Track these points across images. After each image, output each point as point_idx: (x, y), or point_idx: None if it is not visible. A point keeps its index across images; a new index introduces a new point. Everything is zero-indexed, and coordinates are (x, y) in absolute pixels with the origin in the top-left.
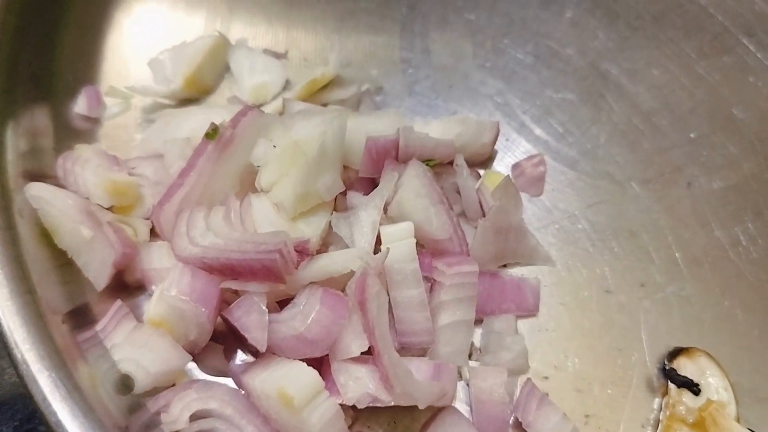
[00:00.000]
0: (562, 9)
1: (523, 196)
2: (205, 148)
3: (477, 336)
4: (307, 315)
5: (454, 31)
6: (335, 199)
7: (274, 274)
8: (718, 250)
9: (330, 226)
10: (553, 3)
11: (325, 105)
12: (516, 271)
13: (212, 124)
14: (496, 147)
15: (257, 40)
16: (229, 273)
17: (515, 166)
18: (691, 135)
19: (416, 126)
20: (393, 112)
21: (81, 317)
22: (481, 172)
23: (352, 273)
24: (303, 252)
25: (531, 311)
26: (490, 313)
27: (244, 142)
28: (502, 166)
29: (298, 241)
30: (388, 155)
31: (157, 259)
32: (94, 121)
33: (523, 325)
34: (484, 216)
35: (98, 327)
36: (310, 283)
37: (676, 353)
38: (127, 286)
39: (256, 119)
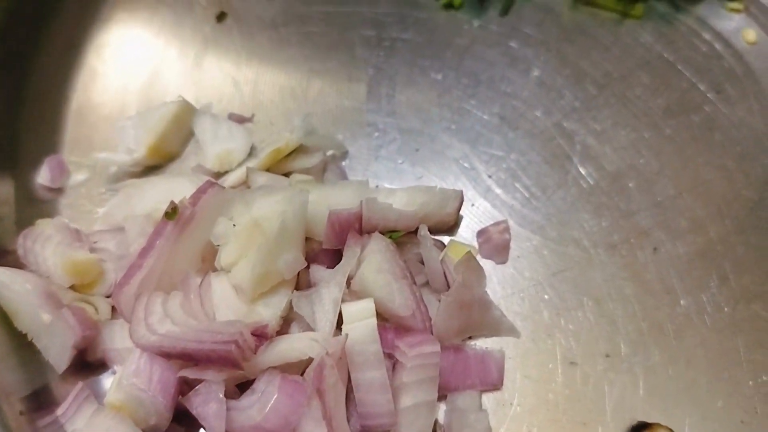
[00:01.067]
0: (528, 68)
1: (488, 263)
2: (164, 228)
3: (441, 412)
4: (265, 403)
5: (420, 92)
6: (298, 274)
7: (231, 363)
8: (683, 318)
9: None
10: (520, 62)
11: (289, 173)
12: (480, 343)
13: (171, 202)
14: (461, 213)
15: (223, 103)
16: (187, 360)
17: (480, 233)
18: (658, 198)
19: (381, 195)
20: (357, 183)
21: (42, 400)
22: (447, 239)
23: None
24: (261, 336)
25: (495, 385)
26: (454, 389)
27: (205, 220)
28: (468, 231)
29: (255, 326)
30: (351, 227)
31: (119, 339)
32: (58, 191)
33: (487, 399)
34: (449, 286)
35: (59, 411)
36: (269, 367)
37: (639, 429)
38: (89, 364)
39: (217, 196)
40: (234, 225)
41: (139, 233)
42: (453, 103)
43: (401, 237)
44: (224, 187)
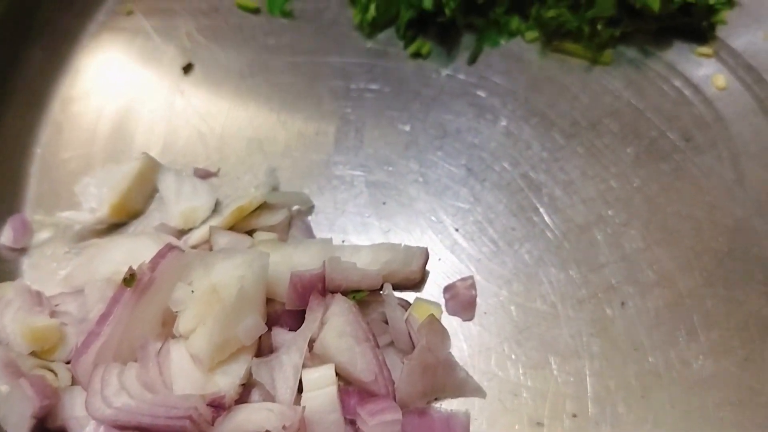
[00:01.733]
0: (496, 118)
1: (454, 320)
2: (122, 295)
3: None
4: None
5: (388, 144)
6: (260, 338)
7: None
8: (651, 376)
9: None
10: (488, 111)
11: (253, 231)
12: (446, 405)
13: (130, 268)
14: (428, 268)
15: (189, 157)
16: None
17: (447, 289)
18: (626, 250)
19: (345, 253)
20: (320, 242)
21: None
22: (413, 295)
23: None
24: (219, 407)
25: None
26: None
27: (164, 286)
28: (435, 287)
29: (212, 397)
30: (314, 289)
31: (78, 407)
32: (21, 251)
33: None
34: (414, 346)
35: None
36: None
37: None
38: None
39: (176, 260)
40: (192, 291)
41: (98, 298)
42: (420, 154)
43: (366, 296)
44: (184, 250)
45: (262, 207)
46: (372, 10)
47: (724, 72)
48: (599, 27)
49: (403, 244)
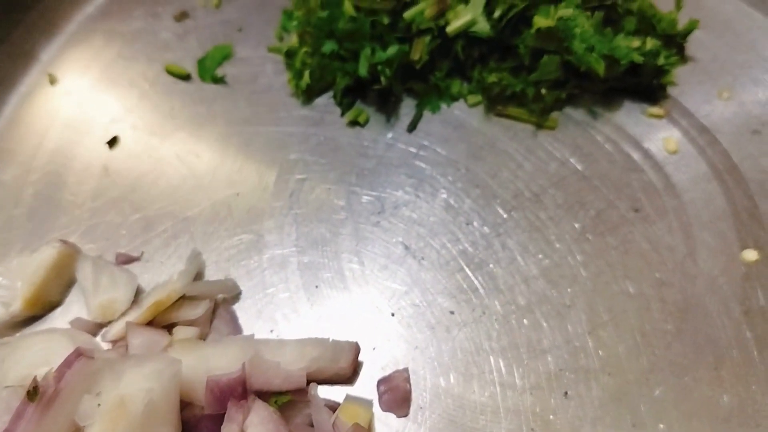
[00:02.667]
0: (436, 190)
1: (388, 417)
2: (25, 410)
3: None
4: None
5: (322, 221)
6: None
7: None
8: None
9: None
10: (427, 183)
11: (173, 325)
12: None
13: (34, 380)
14: (361, 357)
15: (110, 240)
16: None
17: (381, 382)
18: (570, 334)
19: (269, 349)
20: (241, 340)
21: None
22: (344, 391)
23: None
24: None
25: None
26: None
27: (70, 398)
28: (369, 378)
29: None
30: (233, 392)
31: None
32: None
33: None
34: None
35: None
36: None
37: None
38: None
39: (84, 368)
40: (99, 404)
41: (4, 409)
42: (356, 231)
43: (289, 399)
44: (93, 357)
45: (184, 298)
46: (306, 77)
47: (676, 134)
48: (543, 91)
49: (331, 339)
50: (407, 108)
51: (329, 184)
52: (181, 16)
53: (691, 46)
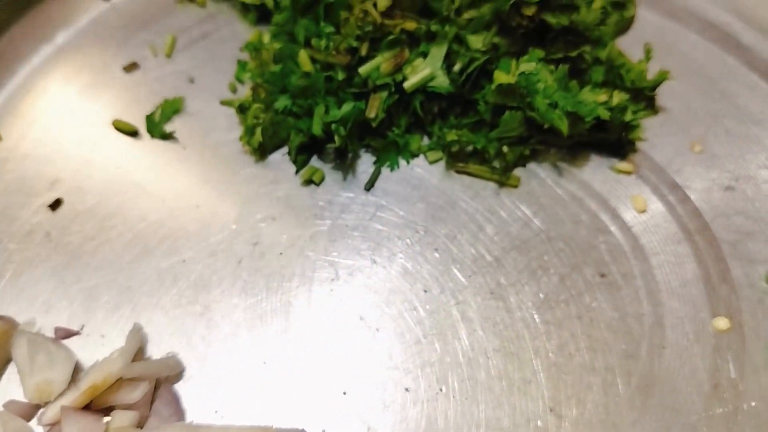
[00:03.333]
0: (393, 255)
1: None
2: None
3: None
4: None
5: (270, 295)
6: None
7: None
8: None
9: None
10: (384, 246)
11: (110, 409)
12: None
13: None
14: None
15: (50, 314)
16: None
17: None
18: (530, 414)
19: None
20: (181, 428)
21: None
22: None
23: None
24: None
25: None
26: None
27: None
28: None
29: None
30: None
31: None
32: None
33: None
34: None
35: None
36: None
37: None
38: None
39: None
40: None
41: None
42: (309, 302)
43: None
44: None
45: (123, 379)
46: (258, 135)
47: (646, 191)
48: (505, 149)
49: (274, 427)
50: (365, 165)
51: (281, 248)
52: (131, 67)
53: (662, 94)
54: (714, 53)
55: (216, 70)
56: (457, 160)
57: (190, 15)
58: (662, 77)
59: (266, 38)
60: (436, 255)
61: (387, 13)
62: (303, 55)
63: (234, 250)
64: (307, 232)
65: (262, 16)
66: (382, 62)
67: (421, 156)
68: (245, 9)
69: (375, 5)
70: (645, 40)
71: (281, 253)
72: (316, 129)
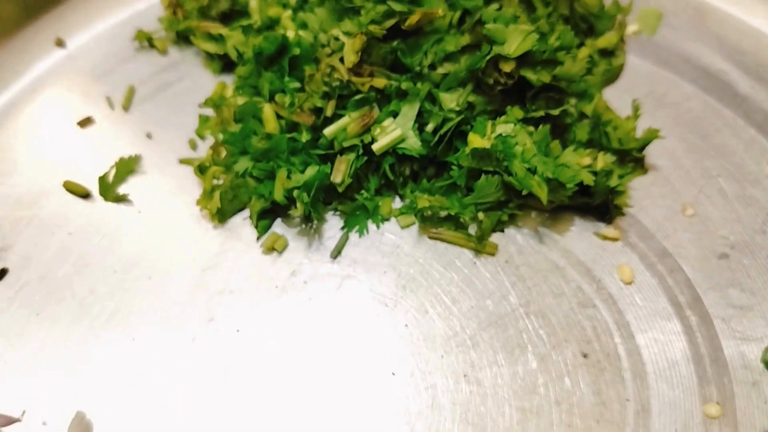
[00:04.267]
0: (359, 333)
1: None
2: None
3: None
4: None
5: (221, 385)
6: None
7: None
8: None
9: None
10: (350, 324)
11: None
12: None
13: None
14: None
15: None
16: None
17: None
18: None
19: None
20: None
21: None
22: None
23: None
24: None
25: None
26: None
27: None
28: None
29: None
30: None
31: None
32: None
33: None
34: None
35: None
36: None
37: None
38: None
39: None
40: None
41: None
42: (268, 385)
43: None
44: None
45: None
46: (216, 199)
47: (633, 260)
48: (481, 215)
49: None
50: (332, 229)
51: (238, 325)
52: (86, 122)
53: (652, 151)
54: (708, 104)
55: (176, 124)
56: (430, 224)
57: (151, 63)
58: (651, 136)
59: (230, 91)
60: (406, 331)
61: (355, 69)
62: (267, 111)
63: (187, 328)
64: (266, 307)
65: (227, 64)
66: (349, 123)
67: (393, 219)
68: (210, 56)
69: (342, 59)
70: (634, 90)
71: (238, 331)
72: (278, 195)
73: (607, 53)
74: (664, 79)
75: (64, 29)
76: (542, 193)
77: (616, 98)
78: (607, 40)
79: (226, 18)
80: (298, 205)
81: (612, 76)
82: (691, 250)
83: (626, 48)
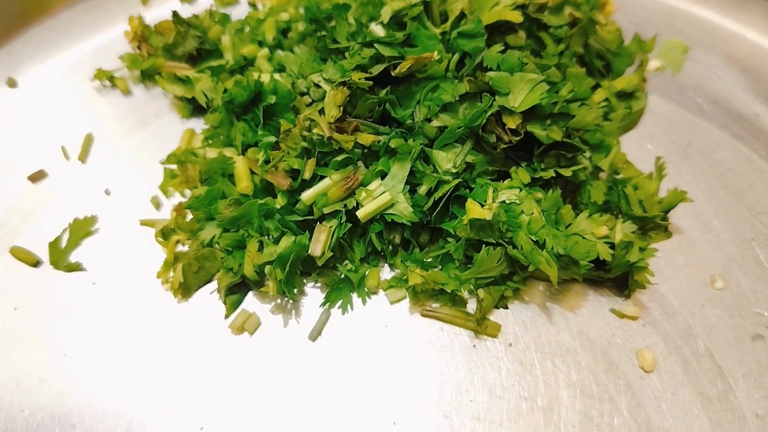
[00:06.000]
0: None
1: None
2: None
3: None
4: None
5: None
6: None
7: None
8: None
9: None
10: (326, 428)
11: None
12: None
13: None
14: None
15: None
16: None
17: None
18: None
19: None
20: None
21: None
22: None
23: None
24: None
25: None
26: None
27: None
28: None
29: None
30: None
31: None
32: None
33: None
34: None
35: None
36: None
37: None
38: None
39: None
40: None
41: None
42: None
43: None
44: None
45: None
46: (179, 273)
47: (654, 343)
48: (481, 293)
49: None
50: (312, 304)
51: (201, 422)
52: (37, 176)
53: (677, 210)
54: (741, 154)
55: (138, 178)
56: (424, 297)
57: (112, 105)
58: (677, 199)
59: (198, 140)
60: (394, 429)
61: (337, 124)
62: (240, 167)
63: (148, 427)
64: (233, 402)
65: (198, 107)
66: (330, 186)
67: (381, 292)
68: (178, 98)
69: (322, 111)
70: (657, 137)
71: (201, 429)
72: (248, 271)
73: (626, 95)
74: (690, 125)
75: (16, 67)
76: (552, 272)
77: (635, 148)
78: (626, 81)
79: (195, 57)
80: (271, 283)
81: (631, 122)
82: (721, 331)
83: (647, 87)
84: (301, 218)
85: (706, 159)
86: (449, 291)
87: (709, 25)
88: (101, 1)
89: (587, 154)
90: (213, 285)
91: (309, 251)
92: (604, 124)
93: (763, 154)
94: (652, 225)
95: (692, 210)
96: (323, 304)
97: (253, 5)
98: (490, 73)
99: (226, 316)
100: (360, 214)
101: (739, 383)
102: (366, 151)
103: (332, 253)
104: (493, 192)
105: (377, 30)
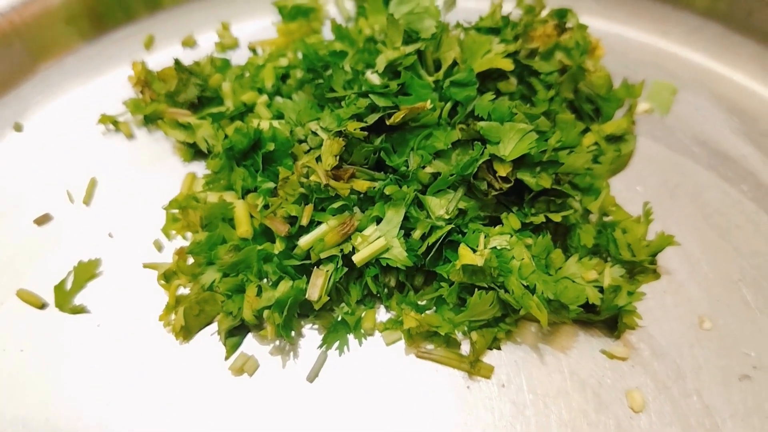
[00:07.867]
0: None
1: None
2: None
3: None
4: None
5: None
6: None
7: None
8: None
9: None
10: None
11: None
12: None
13: None
14: None
15: None
16: None
17: None
18: None
19: None
20: None
21: None
22: None
23: None
24: None
25: None
26: None
27: None
28: None
29: None
30: None
31: None
32: None
33: None
34: None
35: None
36: None
37: None
38: None
39: None
40: None
41: None
42: None
43: None
44: None
45: None
46: (180, 317)
47: (644, 383)
48: (474, 336)
49: None
50: (309, 346)
51: None
52: (43, 220)
53: (665, 251)
54: (728, 196)
55: (141, 221)
56: (419, 339)
57: (116, 149)
58: (665, 243)
59: (200, 184)
60: None
61: (334, 171)
62: (240, 211)
63: None
64: None
65: (200, 151)
66: (327, 232)
67: (377, 334)
68: (180, 142)
69: (319, 159)
70: (645, 179)
71: None
72: (247, 315)
73: (615, 139)
74: (678, 166)
75: (22, 112)
76: (542, 316)
77: (625, 190)
78: (615, 125)
79: (196, 104)
80: (269, 327)
81: (621, 165)
82: (709, 371)
83: (636, 129)
84: (299, 263)
85: (694, 200)
86: (442, 334)
87: (698, 67)
88: (105, 46)
89: (577, 197)
90: (213, 327)
91: (306, 295)
92: (594, 167)
93: (750, 195)
94: (641, 268)
95: (680, 251)
96: (320, 346)
97: (253, 50)
98: (481, 123)
99: (226, 358)
100: (356, 258)
101: (727, 422)
102: (362, 196)
103: (329, 297)
104: (485, 238)
105: (373, 78)
